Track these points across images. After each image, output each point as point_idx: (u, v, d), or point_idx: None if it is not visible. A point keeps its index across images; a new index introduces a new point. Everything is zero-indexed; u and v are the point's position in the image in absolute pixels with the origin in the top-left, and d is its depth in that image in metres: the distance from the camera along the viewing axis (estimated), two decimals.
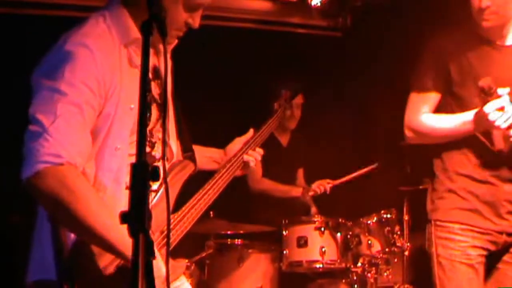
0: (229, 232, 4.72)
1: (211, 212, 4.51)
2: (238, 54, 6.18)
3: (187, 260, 4.34)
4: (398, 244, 4.90)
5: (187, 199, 2.64)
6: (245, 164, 3.01)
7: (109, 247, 2.14)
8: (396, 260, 5.00)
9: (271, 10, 6.68)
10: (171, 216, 2.51)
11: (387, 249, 4.87)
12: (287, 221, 4.78)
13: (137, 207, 1.53)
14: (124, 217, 1.56)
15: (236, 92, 6.14)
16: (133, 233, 1.52)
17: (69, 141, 2.12)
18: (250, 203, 5.52)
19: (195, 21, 2.43)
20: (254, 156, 3.05)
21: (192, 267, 4.42)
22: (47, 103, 2.14)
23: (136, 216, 1.53)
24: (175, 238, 2.52)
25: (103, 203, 2.18)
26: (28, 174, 2.07)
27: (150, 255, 1.58)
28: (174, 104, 2.62)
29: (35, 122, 2.13)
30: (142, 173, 1.58)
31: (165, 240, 2.36)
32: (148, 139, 2.42)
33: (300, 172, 5.89)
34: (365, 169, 5.52)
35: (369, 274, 4.79)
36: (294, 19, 6.84)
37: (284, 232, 4.74)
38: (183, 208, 2.60)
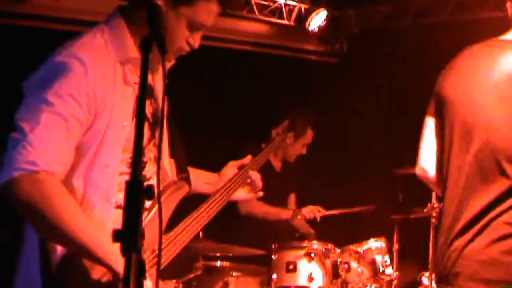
0: (218, 254, 4.68)
1: (200, 233, 4.46)
2: (233, 76, 6.19)
3: (175, 281, 4.29)
4: (387, 272, 4.88)
5: (180, 220, 2.62)
6: (250, 182, 3.05)
7: (88, 253, 2.12)
8: None
9: (268, 33, 6.70)
10: (163, 236, 2.48)
11: (376, 278, 4.85)
12: (277, 246, 4.74)
13: (130, 226, 1.50)
14: (117, 235, 1.52)
15: (230, 114, 6.14)
16: (125, 252, 1.48)
17: (48, 150, 2.10)
18: (239, 225, 5.47)
19: (196, 41, 2.43)
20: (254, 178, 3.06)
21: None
22: (32, 112, 2.13)
23: (129, 235, 1.49)
24: (166, 258, 2.49)
25: (81, 210, 2.16)
26: (3, 180, 2.06)
27: (141, 275, 1.55)
28: (168, 124, 2.59)
29: (17, 129, 2.12)
30: (137, 191, 1.54)
31: (156, 259, 2.33)
32: None
33: (292, 197, 5.86)
34: (360, 209, 5.50)
35: None
36: (290, 43, 6.86)
37: (273, 257, 4.70)
38: (176, 229, 2.58)
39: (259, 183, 3.07)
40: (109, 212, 2.25)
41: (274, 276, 4.65)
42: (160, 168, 2.44)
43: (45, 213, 2.06)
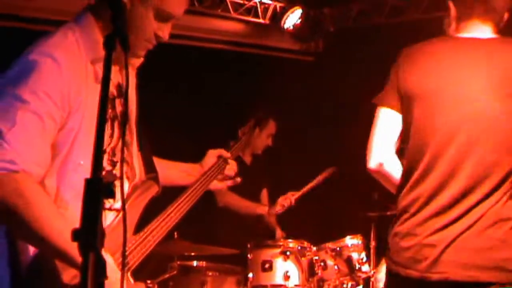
0: (193, 254, 4.66)
1: (175, 233, 4.44)
2: (208, 75, 6.17)
3: (149, 281, 4.27)
4: (364, 270, 4.88)
5: (155, 216, 2.62)
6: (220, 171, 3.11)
7: (63, 255, 2.08)
8: (361, 286, 4.97)
9: (243, 32, 6.69)
10: (134, 237, 2.47)
11: (352, 275, 4.84)
12: (252, 245, 4.73)
13: (88, 224, 1.47)
14: (76, 235, 1.50)
15: (205, 113, 6.12)
16: (83, 251, 1.46)
17: (26, 149, 2.07)
18: (214, 224, 5.47)
19: (165, 33, 2.40)
20: (230, 168, 3.15)
21: None
22: (8, 110, 2.10)
23: (87, 234, 1.47)
24: (138, 257, 2.47)
25: (59, 212, 2.13)
26: None
27: (102, 275, 1.52)
28: (137, 124, 2.57)
29: None
30: (95, 190, 1.52)
31: (127, 260, 2.31)
32: (110, 157, 2.37)
33: (264, 193, 5.88)
34: (324, 175, 5.51)
35: None
36: (266, 41, 6.85)
37: (249, 256, 4.69)
38: (149, 226, 2.56)
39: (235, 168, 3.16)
40: None
41: (250, 275, 4.64)
42: (126, 165, 2.43)
43: (22, 214, 2.03)
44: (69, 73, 2.20)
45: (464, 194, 2.65)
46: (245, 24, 6.65)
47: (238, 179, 3.27)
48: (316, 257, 4.74)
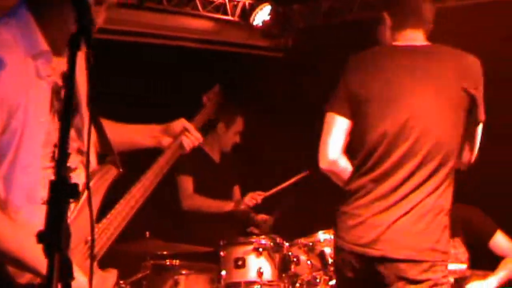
0: (165, 253, 4.64)
1: (147, 233, 4.43)
2: (178, 73, 6.15)
3: (122, 282, 4.25)
4: None
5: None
6: (181, 146, 2.93)
7: (14, 260, 2.06)
8: (334, 281, 4.98)
9: (212, 29, 6.68)
10: (96, 225, 2.40)
11: (325, 270, 4.84)
12: (224, 242, 4.73)
13: (53, 226, 1.47)
14: (40, 237, 1.49)
15: (174, 111, 6.08)
16: (48, 253, 1.45)
17: None
18: (186, 223, 5.46)
19: (98, 17, 2.27)
20: (193, 141, 2.96)
21: None
22: None
23: (52, 236, 1.46)
24: (103, 245, 2.42)
25: (4, 217, 2.09)
26: None
27: (68, 276, 1.51)
28: (90, 106, 2.37)
29: None
30: (61, 190, 1.51)
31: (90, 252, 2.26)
32: None
33: (237, 190, 5.86)
34: (296, 177, 5.52)
35: None
36: (235, 39, 6.84)
37: (221, 253, 4.68)
38: (112, 211, 2.50)
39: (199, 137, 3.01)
40: (36, 211, 2.13)
41: (223, 272, 4.64)
42: (79, 156, 2.34)
43: None
44: (5, 72, 2.11)
45: (402, 183, 3.08)
46: (214, 22, 6.64)
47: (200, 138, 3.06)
48: (289, 253, 4.74)
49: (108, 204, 2.48)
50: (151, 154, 2.87)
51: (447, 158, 3.10)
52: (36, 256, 1.94)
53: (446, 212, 3.12)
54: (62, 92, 2.29)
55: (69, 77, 1.68)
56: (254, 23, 6.61)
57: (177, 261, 4.70)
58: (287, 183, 5.54)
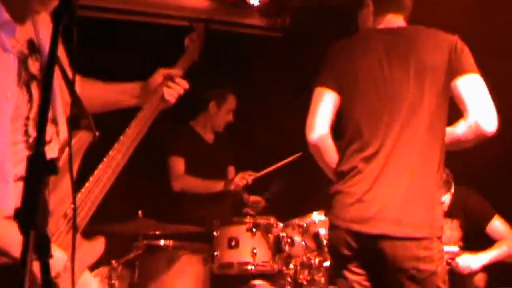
0: (157, 233, 4.61)
1: (139, 212, 4.39)
2: (174, 52, 6.08)
3: (114, 261, 4.22)
4: None
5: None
6: (163, 99, 2.75)
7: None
8: (329, 262, 4.96)
9: (209, 9, 6.60)
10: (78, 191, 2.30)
11: (320, 251, 4.82)
12: (218, 222, 4.70)
13: (29, 203, 1.42)
14: (16, 213, 1.44)
15: None
16: (23, 230, 1.41)
17: None
18: (180, 202, 5.42)
19: None
20: (176, 89, 2.78)
21: (120, 269, 4.29)
22: None
23: (28, 212, 1.42)
24: (85, 214, 2.30)
25: None
26: None
27: (45, 254, 1.47)
28: (63, 77, 2.34)
29: None
30: (38, 166, 1.46)
31: (71, 223, 2.18)
32: (35, 123, 2.19)
33: (231, 170, 5.81)
34: (288, 159, 5.46)
35: (301, 276, 4.73)
36: (231, 17, 6.77)
37: (215, 233, 4.65)
38: (92, 178, 2.37)
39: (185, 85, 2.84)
40: (8, 189, 2.05)
41: (217, 253, 4.61)
42: (52, 127, 2.27)
43: None
44: None
45: (393, 160, 3.10)
46: (211, 1, 6.56)
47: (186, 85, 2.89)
48: (283, 234, 4.71)
49: (86, 171, 2.36)
50: (131, 113, 2.71)
51: (436, 130, 3.12)
52: (8, 238, 1.91)
53: (438, 187, 3.14)
54: (29, 61, 2.23)
55: (51, 54, 1.63)
56: (251, 2, 6.54)
57: (170, 241, 4.66)
58: (279, 164, 5.46)
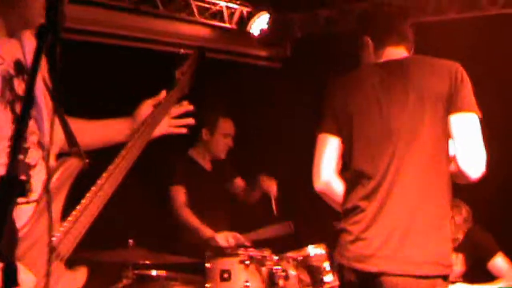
0: (148, 262, 4.48)
1: (130, 241, 4.29)
2: (171, 79, 6.04)
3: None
4: (327, 280, 4.76)
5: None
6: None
7: None
8: None
9: (210, 37, 6.58)
10: (61, 223, 2.26)
11: (315, 285, 4.73)
12: (211, 253, 4.59)
13: None
14: None
15: None
16: None
17: None
18: (172, 232, 5.31)
19: None
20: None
21: None
22: None
23: None
24: (71, 244, 2.26)
25: None
26: None
27: (12, 284, 1.39)
28: (52, 100, 2.31)
29: None
30: (6, 189, 1.38)
31: (54, 254, 2.13)
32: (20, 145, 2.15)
33: (239, 181, 5.73)
34: (280, 231, 5.27)
35: None
36: (232, 47, 6.74)
37: (207, 265, 4.55)
38: (79, 207, 2.33)
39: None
40: None
41: (209, 285, 4.50)
42: (35, 136, 2.20)
43: None
44: None
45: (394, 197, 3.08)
46: (211, 29, 6.54)
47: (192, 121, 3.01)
48: (278, 267, 4.61)
49: (75, 199, 2.34)
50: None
51: (437, 163, 3.09)
52: None
53: (445, 222, 3.10)
54: (15, 81, 2.19)
55: (33, 70, 1.59)
56: (251, 32, 6.51)
57: (162, 271, 4.55)
58: (268, 233, 5.23)
